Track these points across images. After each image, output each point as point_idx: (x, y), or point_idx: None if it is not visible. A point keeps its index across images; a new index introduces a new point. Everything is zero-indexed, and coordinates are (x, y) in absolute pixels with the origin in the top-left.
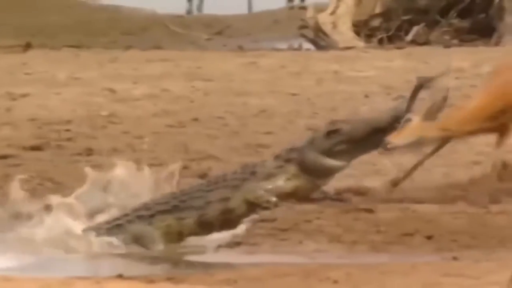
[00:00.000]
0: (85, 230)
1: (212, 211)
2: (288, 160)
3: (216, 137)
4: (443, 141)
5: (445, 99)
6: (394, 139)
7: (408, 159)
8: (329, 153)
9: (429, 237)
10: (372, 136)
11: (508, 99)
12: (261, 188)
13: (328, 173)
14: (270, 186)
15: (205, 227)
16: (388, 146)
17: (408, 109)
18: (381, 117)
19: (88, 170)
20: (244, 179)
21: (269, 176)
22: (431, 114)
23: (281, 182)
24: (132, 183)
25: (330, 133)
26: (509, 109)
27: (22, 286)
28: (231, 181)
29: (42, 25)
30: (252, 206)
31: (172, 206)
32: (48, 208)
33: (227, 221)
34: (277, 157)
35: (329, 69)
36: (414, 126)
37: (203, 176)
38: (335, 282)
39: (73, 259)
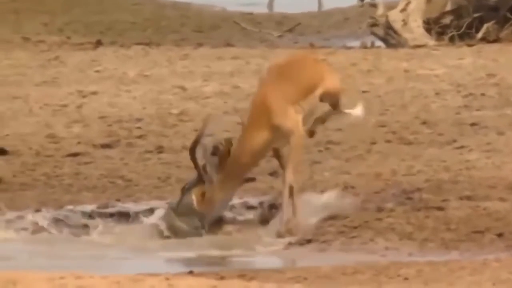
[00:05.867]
0: None
1: None
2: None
3: None
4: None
5: (216, 149)
6: (206, 213)
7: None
8: (178, 211)
9: (499, 235)
10: None
11: (272, 130)
12: None
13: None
14: None
15: None
16: (206, 230)
17: (200, 174)
18: None
19: None
20: None
21: None
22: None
23: None
24: None
25: (182, 189)
26: (277, 138)
27: (91, 283)
28: None
29: (112, 22)
30: None
31: None
32: None
33: None
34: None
35: (399, 67)
36: (216, 195)
37: (273, 173)
38: (406, 279)
39: (141, 257)
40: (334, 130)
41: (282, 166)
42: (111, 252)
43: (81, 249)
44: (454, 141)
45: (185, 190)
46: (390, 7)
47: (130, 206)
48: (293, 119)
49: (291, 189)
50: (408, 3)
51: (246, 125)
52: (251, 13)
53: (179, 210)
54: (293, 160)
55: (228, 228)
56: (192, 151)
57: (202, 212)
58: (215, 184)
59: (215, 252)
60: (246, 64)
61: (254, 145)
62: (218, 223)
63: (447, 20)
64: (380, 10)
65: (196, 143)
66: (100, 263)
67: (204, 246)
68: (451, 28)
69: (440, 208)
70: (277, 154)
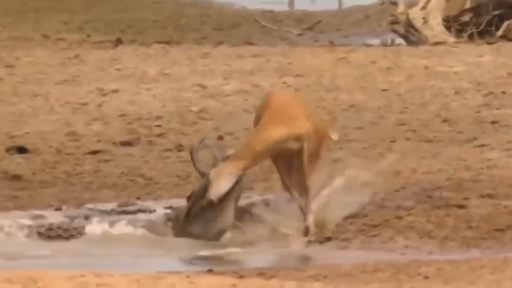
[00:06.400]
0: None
1: None
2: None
3: None
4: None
5: (221, 138)
6: (215, 191)
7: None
8: (188, 219)
9: None
10: None
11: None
12: None
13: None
14: None
15: None
16: (214, 200)
17: (198, 170)
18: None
19: None
20: None
21: None
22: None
23: None
24: None
25: (188, 197)
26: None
27: (112, 281)
28: None
29: (133, 20)
30: None
31: None
32: None
33: None
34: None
35: (419, 65)
36: (224, 170)
37: None
38: (426, 278)
39: (162, 255)
40: (354, 128)
41: (280, 170)
42: (131, 250)
43: (100, 247)
44: (475, 139)
45: (192, 197)
46: (410, 4)
47: (150, 204)
48: (307, 124)
49: (310, 190)
50: (428, 1)
51: (265, 118)
52: (271, 11)
53: (187, 217)
54: (308, 162)
55: (247, 226)
56: (192, 153)
57: (211, 219)
58: (221, 166)
59: (234, 250)
60: (266, 62)
61: (269, 138)
62: (226, 227)
63: (466, 17)
64: (400, 8)
65: (198, 145)
66: (120, 261)
67: (223, 244)
68: (471, 25)
69: (461, 206)
70: (276, 157)
